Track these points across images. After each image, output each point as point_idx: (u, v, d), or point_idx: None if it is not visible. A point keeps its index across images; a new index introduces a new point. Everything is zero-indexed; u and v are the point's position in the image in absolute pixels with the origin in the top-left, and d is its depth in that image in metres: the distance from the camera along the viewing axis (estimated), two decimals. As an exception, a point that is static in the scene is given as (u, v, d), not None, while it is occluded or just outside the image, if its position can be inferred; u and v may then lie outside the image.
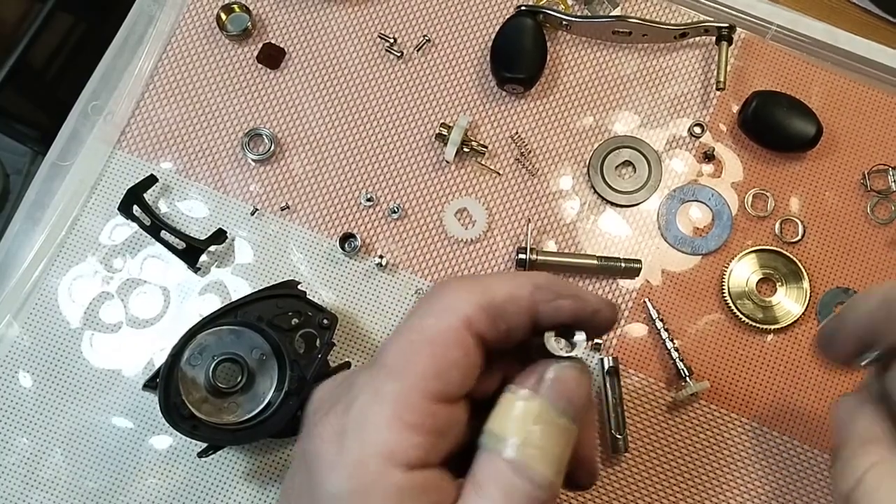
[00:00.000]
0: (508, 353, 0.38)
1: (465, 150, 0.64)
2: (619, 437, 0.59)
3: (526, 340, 0.37)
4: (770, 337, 0.62)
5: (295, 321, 0.54)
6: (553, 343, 0.37)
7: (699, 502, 0.59)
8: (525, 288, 0.36)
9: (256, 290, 0.55)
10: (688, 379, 0.59)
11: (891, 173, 0.64)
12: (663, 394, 0.60)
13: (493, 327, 0.35)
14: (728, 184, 0.64)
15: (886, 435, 0.37)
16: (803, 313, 0.61)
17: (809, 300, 0.62)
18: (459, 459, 0.36)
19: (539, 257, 0.61)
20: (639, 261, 0.62)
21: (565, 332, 0.37)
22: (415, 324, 0.35)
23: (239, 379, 0.53)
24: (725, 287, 0.62)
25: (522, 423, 0.34)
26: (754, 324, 0.61)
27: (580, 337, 0.37)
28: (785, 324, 0.61)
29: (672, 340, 0.60)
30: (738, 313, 0.61)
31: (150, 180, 0.62)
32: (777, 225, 0.63)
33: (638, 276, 0.62)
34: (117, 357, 0.61)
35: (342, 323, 0.61)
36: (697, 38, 0.66)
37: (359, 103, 0.66)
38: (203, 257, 0.62)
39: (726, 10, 0.66)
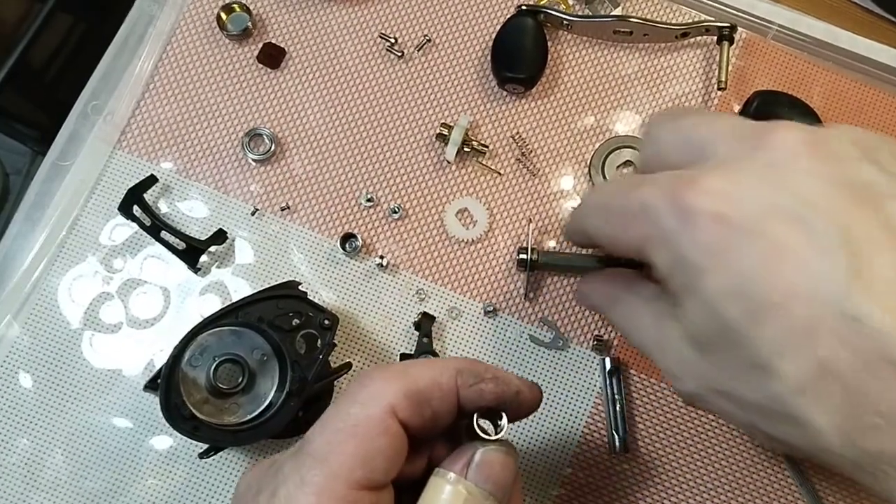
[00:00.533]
0: (435, 435, 0.39)
1: (466, 149, 0.64)
2: (619, 437, 0.59)
3: (452, 424, 0.38)
4: (771, 337, 0.61)
5: (296, 322, 0.54)
6: (479, 425, 0.38)
7: (701, 502, 0.59)
8: (446, 374, 0.37)
9: (257, 290, 0.55)
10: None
11: (892, 173, 0.64)
12: (665, 394, 0.60)
13: (417, 413, 0.36)
14: (729, 184, 0.64)
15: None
16: (805, 313, 0.61)
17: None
18: None
19: (540, 258, 0.60)
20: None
21: (491, 414, 0.39)
22: (341, 411, 0.36)
23: (240, 380, 0.53)
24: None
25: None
26: (756, 324, 0.61)
27: (503, 421, 0.39)
28: (786, 324, 0.61)
29: (673, 341, 0.60)
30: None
31: (151, 180, 0.62)
32: (778, 225, 0.63)
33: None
34: (118, 357, 0.61)
35: (343, 323, 0.61)
36: (699, 38, 0.66)
37: (359, 103, 0.65)
38: (203, 258, 0.62)
39: (727, 9, 0.66)
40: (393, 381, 0.36)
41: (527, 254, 0.60)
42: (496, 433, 0.39)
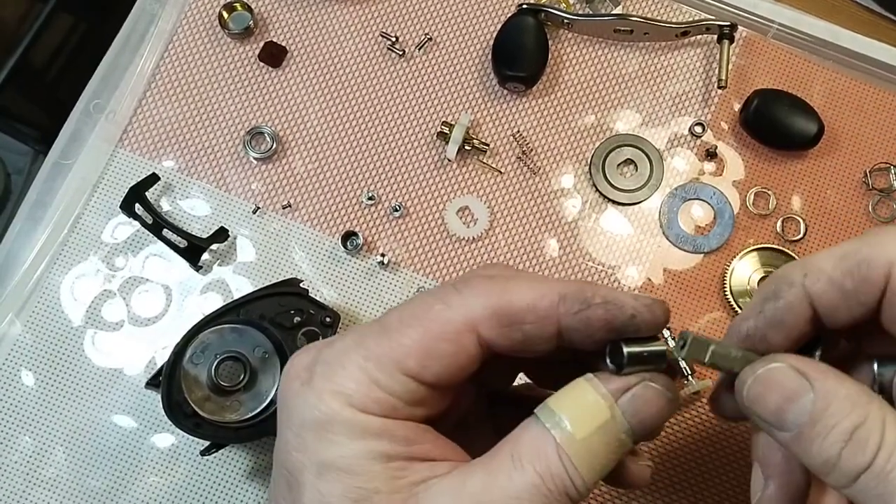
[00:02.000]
0: (536, 356, 0.36)
1: (467, 148, 0.64)
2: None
3: (555, 350, 0.35)
4: (772, 335, 0.62)
5: (297, 319, 0.54)
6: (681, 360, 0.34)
7: (700, 500, 0.59)
8: (548, 298, 0.34)
9: (258, 288, 0.55)
10: (689, 378, 0.59)
11: (892, 171, 0.64)
12: (665, 392, 0.60)
13: (504, 335, 0.34)
14: (730, 182, 0.64)
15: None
16: (805, 311, 0.61)
17: (811, 298, 0.62)
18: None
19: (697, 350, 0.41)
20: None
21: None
22: (427, 301, 0.34)
23: (241, 377, 0.53)
24: (727, 285, 0.62)
25: (589, 423, 0.33)
26: (756, 322, 0.61)
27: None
28: (787, 322, 0.61)
29: (674, 339, 0.60)
30: (739, 311, 0.61)
31: (152, 179, 0.62)
32: (779, 223, 0.63)
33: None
34: (119, 355, 0.61)
35: (344, 321, 0.61)
36: (699, 37, 0.66)
37: (360, 102, 0.66)
38: (205, 256, 0.62)
39: (728, 8, 0.66)
40: (486, 296, 0.34)
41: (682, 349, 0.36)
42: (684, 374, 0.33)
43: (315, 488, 0.32)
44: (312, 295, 0.56)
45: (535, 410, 0.33)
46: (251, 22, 0.66)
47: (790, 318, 0.34)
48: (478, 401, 0.42)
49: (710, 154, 0.64)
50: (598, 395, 0.33)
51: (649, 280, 0.63)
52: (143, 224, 0.61)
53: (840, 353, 0.37)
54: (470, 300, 0.34)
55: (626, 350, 0.34)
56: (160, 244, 0.62)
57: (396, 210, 0.63)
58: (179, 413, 0.52)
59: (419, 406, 0.34)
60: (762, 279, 0.62)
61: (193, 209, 0.63)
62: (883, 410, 0.31)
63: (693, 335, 0.34)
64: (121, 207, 0.61)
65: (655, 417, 0.34)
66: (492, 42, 0.65)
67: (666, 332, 0.53)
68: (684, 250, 0.63)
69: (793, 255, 0.62)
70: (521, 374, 0.44)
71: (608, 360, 0.34)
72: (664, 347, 0.34)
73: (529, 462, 0.32)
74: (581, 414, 0.33)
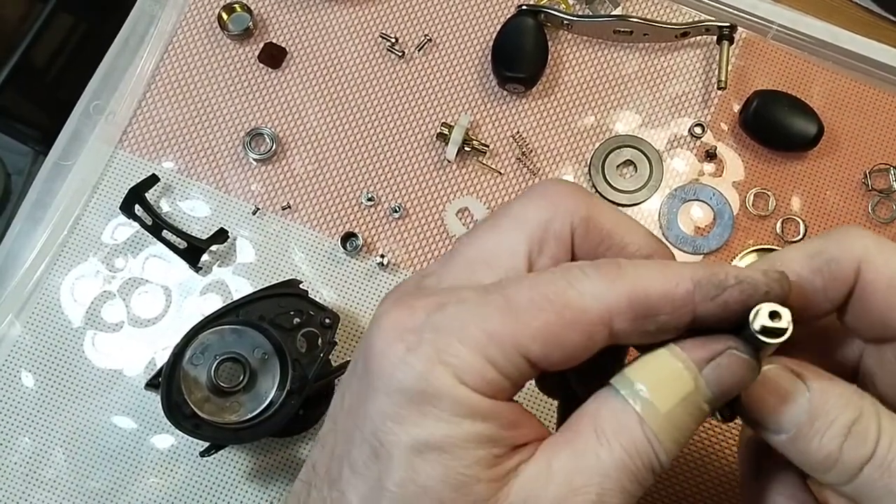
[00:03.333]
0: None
1: (467, 149, 0.64)
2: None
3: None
4: (771, 336, 0.62)
5: (297, 320, 0.54)
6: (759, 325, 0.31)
7: (700, 502, 0.59)
8: (682, 286, 0.31)
9: (258, 289, 0.55)
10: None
11: (892, 172, 0.64)
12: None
13: (638, 327, 0.31)
14: (729, 183, 0.64)
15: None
16: (805, 312, 0.61)
17: (811, 299, 0.62)
18: None
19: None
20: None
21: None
22: (561, 284, 0.31)
23: (241, 378, 0.53)
24: (727, 286, 0.62)
25: (673, 394, 0.31)
26: (756, 323, 0.61)
27: (783, 322, 0.31)
28: (786, 323, 0.61)
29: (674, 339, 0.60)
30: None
31: (152, 180, 0.62)
32: (778, 224, 0.63)
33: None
34: (119, 356, 0.61)
35: (344, 322, 0.61)
36: (698, 38, 0.66)
37: (360, 103, 0.66)
38: (205, 257, 0.62)
39: (727, 9, 0.66)
40: (619, 284, 0.31)
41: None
42: (769, 336, 0.30)
43: (410, 466, 0.30)
44: (312, 296, 0.56)
45: (612, 381, 0.32)
46: (251, 23, 0.66)
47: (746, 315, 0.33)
48: None
49: (710, 155, 0.65)
50: (683, 366, 0.31)
51: (649, 281, 0.62)
52: (143, 225, 0.61)
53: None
54: (604, 289, 0.31)
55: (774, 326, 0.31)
56: (160, 245, 0.62)
57: (396, 211, 0.63)
58: (179, 414, 0.52)
59: (522, 386, 0.32)
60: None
61: (193, 210, 0.63)
62: (875, 405, 0.32)
63: None
64: (120, 208, 0.61)
65: (738, 386, 0.32)
66: (491, 43, 0.66)
67: None
68: (684, 251, 0.63)
69: (792, 256, 0.62)
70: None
71: (756, 326, 0.31)
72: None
73: (615, 438, 0.30)
74: (665, 385, 0.31)
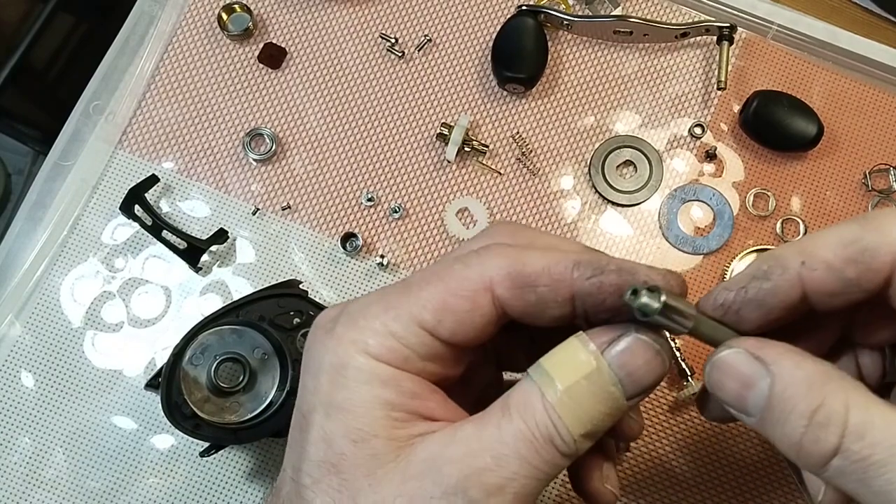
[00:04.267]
0: (547, 321, 0.35)
1: (466, 149, 0.64)
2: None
3: (570, 315, 0.35)
4: (771, 336, 0.62)
5: (297, 321, 0.54)
6: (639, 302, 0.31)
7: (700, 502, 0.59)
8: (562, 264, 0.34)
9: (258, 289, 0.55)
10: (690, 379, 0.59)
11: (892, 173, 0.64)
12: (665, 394, 0.60)
13: (518, 297, 0.34)
14: (729, 183, 0.64)
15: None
16: (804, 313, 0.61)
17: (811, 299, 0.62)
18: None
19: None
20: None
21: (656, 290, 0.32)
22: (448, 260, 0.36)
23: (241, 378, 0.53)
24: (727, 286, 0.62)
25: (574, 374, 0.33)
26: (755, 323, 0.61)
27: (663, 298, 0.31)
28: (786, 323, 0.61)
29: (674, 340, 0.60)
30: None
31: (152, 180, 0.62)
32: (778, 224, 0.63)
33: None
34: (119, 357, 0.61)
35: (343, 322, 0.61)
36: (698, 38, 0.66)
37: (360, 103, 0.66)
38: (204, 257, 0.62)
39: (727, 9, 0.66)
40: (503, 257, 0.35)
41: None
42: (651, 313, 0.31)
43: (321, 426, 0.34)
44: (312, 296, 0.56)
45: (529, 369, 0.34)
46: (250, 23, 0.66)
47: (773, 302, 0.34)
48: (497, 382, 0.43)
49: (710, 155, 0.65)
50: (583, 347, 0.34)
51: (649, 281, 0.62)
52: (143, 225, 0.61)
53: (825, 341, 0.37)
54: (487, 261, 0.35)
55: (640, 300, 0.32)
56: (160, 245, 0.62)
57: (396, 211, 0.63)
58: (179, 414, 0.52)
59: (432, 362, 0.35)
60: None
61: (193, 210, 0.63)
62: (845, 392, 0.31)
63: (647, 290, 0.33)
64: (120, 209, 0.61)
65: (644, 370, 0.33)
66: (491, 43, 0.66)
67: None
68: (684, 251, 0.63)
69: (792, 256, 0.62)
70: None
71: (633, 306, 0.32)
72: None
73: (517, 411, 0.33)
74: (566, 366, 0.33)
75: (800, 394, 0.31)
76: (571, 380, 0.33)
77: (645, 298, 0.31)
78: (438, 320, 0.34)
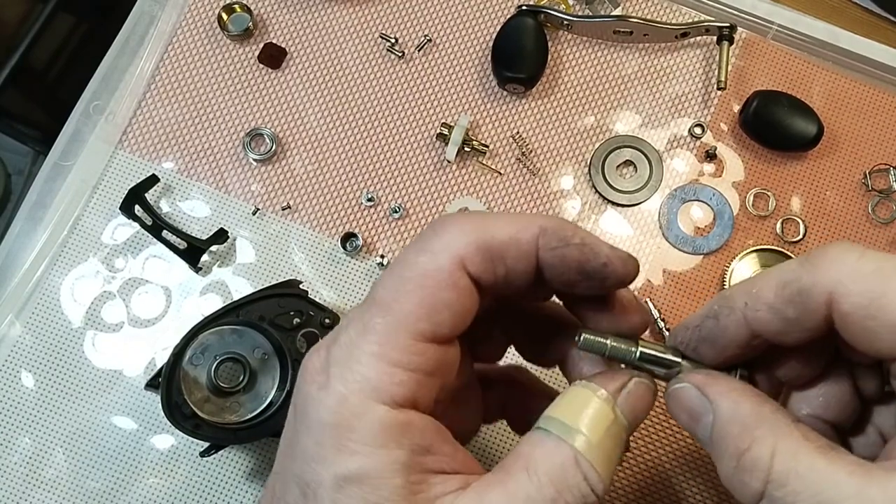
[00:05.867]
0: (509, 294, 0.36)
1: (466, 149, 0.64)
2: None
3: (529, 287, 0.35)
4: (771, 336, 0.62)
5: (297, 321, 0.54)
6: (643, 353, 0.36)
7: (700, 502, 0.59)
8: (528, 231, 0.34)
9: (258, 289, 0.55)
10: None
11: (892, 173, 0.64)
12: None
13: (489, 270, 0.34)
14: (729, 183, 0.64)
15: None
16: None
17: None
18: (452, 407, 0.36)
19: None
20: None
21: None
22: (409, 259, 0.33)
23: (241, 378, 0.53)
24: (727, 287, 0.62)
25: (597, 422, 0.33)
26: (755, 323, 0.61)
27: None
28: (786, 323, 0.61)
29: (668, 329, 0.60)
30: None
31: (152, 180, 0.62)
32: (778, 224, 0.63)
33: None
34: (119, 357, 0.61)
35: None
36: (698, 38, 0.66)
37: (360, 103, 0.66)
38: (204, 257, 0.62)
39: (727, 9, 0.66)
40: (467, 232, 0.33)
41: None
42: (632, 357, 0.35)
43: (333, 502, 0.31)
44: (312, 296, 0.56)
45: (540, 423, 0.33)
46: (250, 23, 0.66)
47: (724, 341, 0.35)
48: (470, 377, 0.41)
49: (710, 155, 0.65)
50: (600, 398, 0.34)
51: (649, 281, 0.63)
52: (143, 225, 0.61)
53: (814, 361, 0.36)
54: (452, 241, 0.33)
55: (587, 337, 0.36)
56: (160, 245, 0.62)
57: (396, 211, 0.63)
58: (179, 414, 0.52)
59: (437, 375, 0.33)
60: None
61: (193, 210, 0.63)
62: (774, 437, 0.31)
63: (587, 331, 0.36)
64: (120, 209, 0.61)
65: (643, 408, 0.35)
66: (491, 43, 0.66)
67: (661, 323, 0.55)
68: (684, 251, 0.63)
69: (792, 256, 0.62)
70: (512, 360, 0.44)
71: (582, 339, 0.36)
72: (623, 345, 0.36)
73: (546, 475, 0.32)
74: (589, 419, 0.33)
75: (732, 434, 0.32)
76: (599, 433, 0.33)
77: (623, 346, 0.36)
78: (435, 323, 0.33)
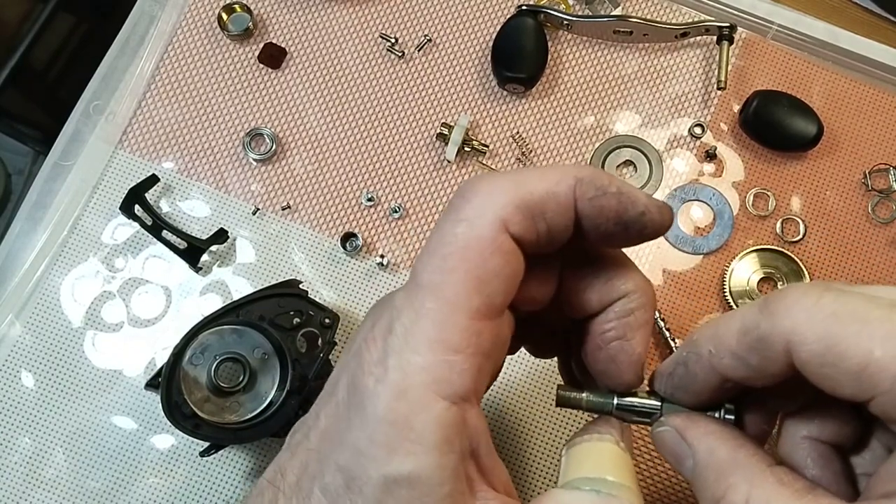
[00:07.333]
0: (549, 253, 0.34)
1: (466, 149, 0.64)
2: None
3: (568, 242, 0.34)
4: (771, 336, 0.62)
5: (297, 320, 0.54)
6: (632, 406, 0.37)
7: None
8: (565, 182, 0.32)
9: (258, 289, 0.55)
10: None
11: (892, 172, 0.64)
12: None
13: (531, 228, 0.32)
14: (729, 183, 0.64)
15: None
16: (804, 312, 0.61)
17: (811, 299, 0.62)
18: None
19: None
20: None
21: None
22: (446, 234, 0.31)
23: (241, 378, 0.53)
24: (727, 286, 0.62)
25: (626, 470, 0.35)
26: (755, 323, 0.61)
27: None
28: (786, 323, 0.61)
29: (673, 340, 0.60)
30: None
31: (152, 180, 0.62)
32: (778, 224, 0.63)
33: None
34: (119, 357, 0.61)
35: (344, 322, 0.61)
36: (698, 38, 0.66)
37: (360, 103, 0.66)
38: (204, 257, 0.62)
39: (727, 9, 0.66)
40: (503, 191, 0.31)
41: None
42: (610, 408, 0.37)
43: (379, 502, 0.30)
44: (312, 296, 0.56)
45: (573, 485, 0.34)
46: (250, 23, 0.66)
47: (695, 387, 0.35)
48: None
49: (710, 155, 0.65)
50: (619, 446, 0.35)
51: (649, 281, 0.63)
52: (143, 225, 0.61)
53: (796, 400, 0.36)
54: (489, 205, 0.31)
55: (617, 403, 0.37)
56: (160, 245, 0.62)
57: (396, 211, 0.63)
58: (179, 414, 0.52)
59: (493, 355, 0.32)
60: (761, 280, 0.62)
61: (193, 210, 0.63)
62: (748, 484, 0.31)
63: (560, 389, 0.37)
64: (120, 209, 0.61)
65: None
66: (491, 43, 0.66)
67: (661, 323, 0.56)
68: (684, 251, 0.63)
69: (792, 256, 0.62)
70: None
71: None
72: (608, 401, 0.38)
73: None
74: (619, 468, 0.35)
75: (709, 479, 0.33)
76: (631, 477, 0.34)
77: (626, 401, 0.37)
78: (487, 294, 0.31)
